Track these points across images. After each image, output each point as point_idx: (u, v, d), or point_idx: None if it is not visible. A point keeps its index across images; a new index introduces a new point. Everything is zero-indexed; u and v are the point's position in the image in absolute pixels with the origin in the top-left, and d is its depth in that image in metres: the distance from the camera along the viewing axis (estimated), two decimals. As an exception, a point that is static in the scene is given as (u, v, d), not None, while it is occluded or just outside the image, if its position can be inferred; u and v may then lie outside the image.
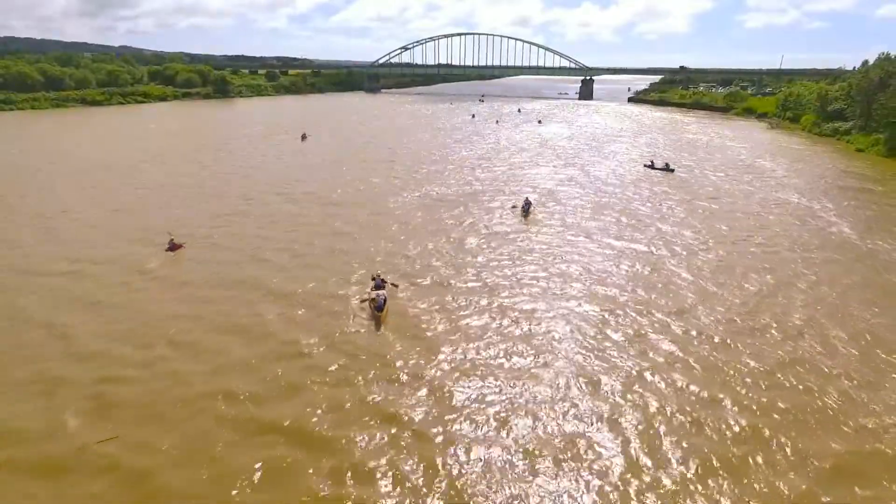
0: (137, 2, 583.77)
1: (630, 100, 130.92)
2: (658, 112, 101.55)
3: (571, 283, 19.82)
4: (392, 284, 18.23)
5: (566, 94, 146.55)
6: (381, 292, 16.74)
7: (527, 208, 29.21)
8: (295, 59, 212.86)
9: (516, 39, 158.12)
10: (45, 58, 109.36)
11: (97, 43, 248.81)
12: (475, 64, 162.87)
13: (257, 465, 10.60)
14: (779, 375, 14.05)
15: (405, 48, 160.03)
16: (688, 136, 66.06)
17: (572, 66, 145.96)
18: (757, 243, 25.24)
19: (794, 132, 70.36)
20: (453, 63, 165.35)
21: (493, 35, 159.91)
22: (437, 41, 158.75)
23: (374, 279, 17.93)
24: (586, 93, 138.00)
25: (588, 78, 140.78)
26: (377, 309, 16.20)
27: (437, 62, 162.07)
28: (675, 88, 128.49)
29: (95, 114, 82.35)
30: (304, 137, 57.79)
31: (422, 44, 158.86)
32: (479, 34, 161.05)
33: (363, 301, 17.15)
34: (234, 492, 10.03)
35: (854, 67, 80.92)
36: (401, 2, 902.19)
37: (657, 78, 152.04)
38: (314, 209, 29.42)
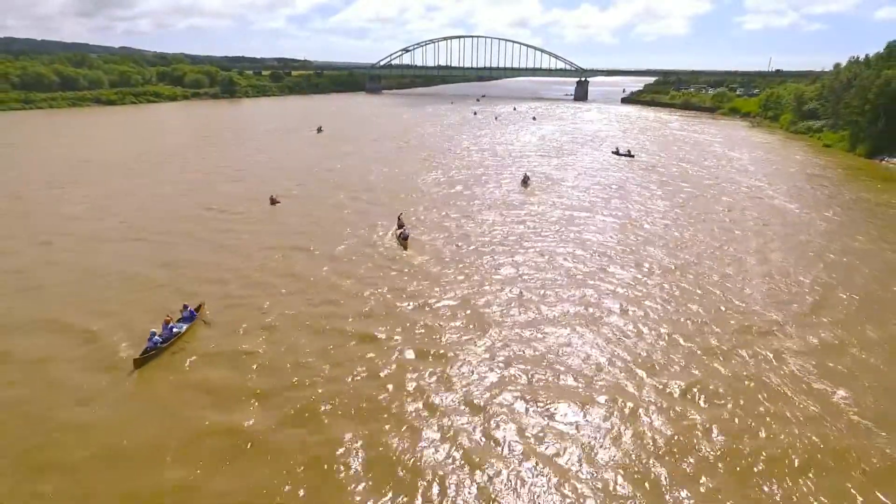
0: (134, 2, 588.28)
1: (623, 100, 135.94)
2: (648, 112, 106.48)
3: (556, 228, 27.22)
4: (408, 232, 24.84)
5: (571, 95, 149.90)
6: (405, 228, 24.76)
7: (526, 181, 36.41)
8: (295, 60, 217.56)
9: (514, 42, 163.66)
10: (58, 58, 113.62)
11: (96, 44, 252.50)
12: (474, 66, 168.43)
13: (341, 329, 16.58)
14: (706, 289, 19.84)
15: (406, 50, 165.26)
16: (671, 133, 70.94)
17: (568, 67, 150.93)
18: (705, 207, 31.36)
19: (774, 130, 75.16)
20: (453, 65, 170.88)
21: (492, 38, 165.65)
22: (436, 43, 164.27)
23: (398, 219, 26.04)
24: (581, 93, 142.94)
25: (583, 79, 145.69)
26: (403, 238, 23.85)
27: (436, 64, 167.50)
28: (668, 90, 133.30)
29: (117, 113, 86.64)
30: (319, 130, 62.69)
31: (422, 46, 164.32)
32: (478, 37, 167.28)
33: (396, 235, 24.69)
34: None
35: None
36: (400, 3, 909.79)
37: (652, 79, 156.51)
38: (351, 185, 35.73)
